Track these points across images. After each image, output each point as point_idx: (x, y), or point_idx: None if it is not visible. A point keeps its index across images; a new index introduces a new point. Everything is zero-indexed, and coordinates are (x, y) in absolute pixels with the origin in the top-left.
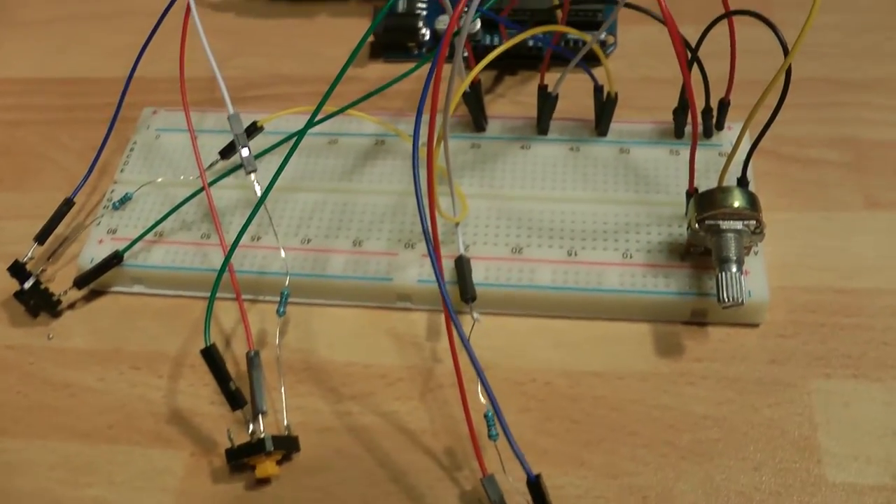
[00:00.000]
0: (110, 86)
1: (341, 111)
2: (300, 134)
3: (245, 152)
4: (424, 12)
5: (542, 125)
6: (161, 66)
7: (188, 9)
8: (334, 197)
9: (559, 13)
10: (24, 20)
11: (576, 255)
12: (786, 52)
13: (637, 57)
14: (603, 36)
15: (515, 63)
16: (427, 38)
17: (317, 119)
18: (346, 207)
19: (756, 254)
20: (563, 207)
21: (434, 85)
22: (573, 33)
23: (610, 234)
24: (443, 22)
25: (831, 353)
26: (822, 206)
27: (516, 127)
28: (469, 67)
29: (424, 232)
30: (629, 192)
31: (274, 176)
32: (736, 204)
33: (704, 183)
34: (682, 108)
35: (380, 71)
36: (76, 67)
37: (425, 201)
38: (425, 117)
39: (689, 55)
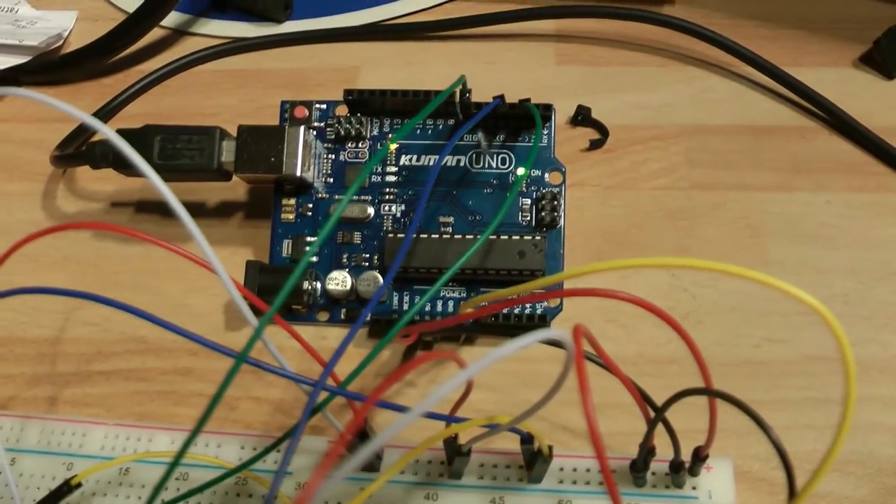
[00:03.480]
0: None
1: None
2: None
3: None
4: (315, 258)
5: (454, 470)
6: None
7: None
8: None
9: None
10: None
11: None
12: (792, 493)
13: (592, 320)
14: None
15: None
16: (319, 293)
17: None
18: None
19: None
20: None
21: None
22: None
23: None
24: (334, 281)
25: None
26: None
27: (422, 465)
28: None
29: None
30: None
31: None
32: None
33: None
34: (644, 461)
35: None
36: None
37: None
38: None
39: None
